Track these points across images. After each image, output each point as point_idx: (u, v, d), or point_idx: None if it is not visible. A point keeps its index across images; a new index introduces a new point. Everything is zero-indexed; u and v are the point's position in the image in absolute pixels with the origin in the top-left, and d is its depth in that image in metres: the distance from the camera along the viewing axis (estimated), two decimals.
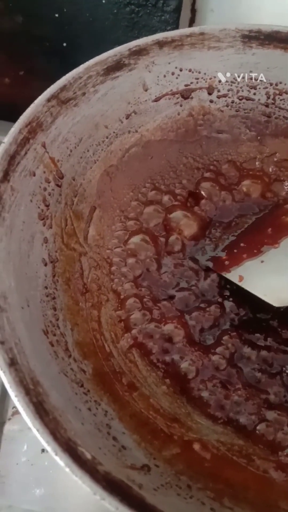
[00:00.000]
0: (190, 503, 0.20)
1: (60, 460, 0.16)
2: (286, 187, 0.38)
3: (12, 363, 0.19)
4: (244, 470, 0.24)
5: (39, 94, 0.30)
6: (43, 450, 0.30)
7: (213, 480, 0.22)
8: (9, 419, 0.32)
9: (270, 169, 0.38)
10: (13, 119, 0.28)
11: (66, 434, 0.18)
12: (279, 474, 0.24)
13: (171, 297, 0.30)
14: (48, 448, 0.17)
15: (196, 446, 0.24)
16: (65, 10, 0.42)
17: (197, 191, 0.36)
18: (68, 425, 0.19)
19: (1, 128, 0.48)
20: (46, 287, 0.26)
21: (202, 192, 0.37)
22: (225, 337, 0.29)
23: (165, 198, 0.36)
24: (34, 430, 0.17)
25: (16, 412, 0.32)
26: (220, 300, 0.30)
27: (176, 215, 0.35)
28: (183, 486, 0.21)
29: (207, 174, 0.37)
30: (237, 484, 0.23)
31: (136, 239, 0.33)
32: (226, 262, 0.33)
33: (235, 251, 0.33)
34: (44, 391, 0.19)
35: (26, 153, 0.27)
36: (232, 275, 0.31)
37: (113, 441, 0.21)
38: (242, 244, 0.34)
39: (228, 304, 0.30)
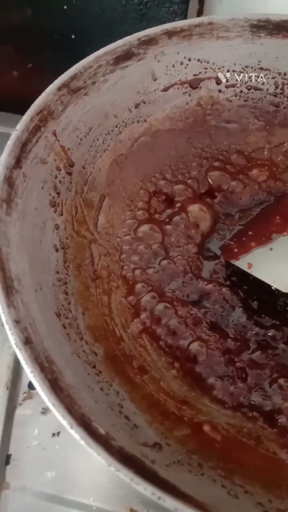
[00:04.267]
0: (201, 479, 0.20)
1: (75, 433, 0.17)
2: None
3: (27, 342, 0.19)
4: (253, 451, 0.24)
5: (48, 87, 0.30)
6: (53, 434, 0.31)
7: (224, 460, 0.22)
8: (20, 404, 0.32)
9: (279, 159, 0.38)
10: (22, 111, 0.29)
11: (80, 410, 0.18)
12: None
13: (179, 280, 0.31)
14: (63, 422, 0.17)
15: (206, 428, 0.24)
16: (73, 2, 0.42)
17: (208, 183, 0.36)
18: (82, 402, 0.19)
19: (10, 120, 0.49)
20: (57, 272, 0.27)
21: (210, 181, 0.37)
22: (235, 321, 0.29)
23: (175, 188, 0.36)
24: (50, 405, 0.17)
25: (27, 398, 0.32)
26: (228, 283, 0.31)
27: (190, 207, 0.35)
28: (194, 464, 0.21)
29: (216, 164, 0.37)
30: (247, 464, 0.23)
31: (145, 227, 0.34)
32: (235, 250, 0.33)
33: (243, 239, 0.34)
34: (58, 370, 0.20)
35: (37, 140, 0.28)
36: (241, 263, 0.32)
37: (125, 419, 0.21)
38: (250, 233, 0.34)
39: (236, 289, 0.31)
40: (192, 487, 0.18)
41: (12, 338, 0.19)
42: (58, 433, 0.31)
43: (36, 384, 0.18)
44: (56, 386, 0.18)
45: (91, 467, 0.30)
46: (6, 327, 0.19)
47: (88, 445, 0.17)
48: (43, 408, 0.32)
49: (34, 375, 0.18)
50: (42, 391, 0.18)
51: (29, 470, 0.30)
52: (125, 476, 0.16)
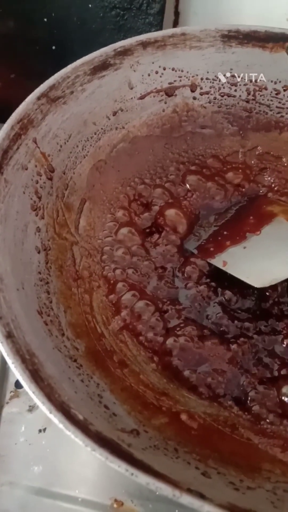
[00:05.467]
0: (176, 462, 0.21)
1: (54, 418, 0.18)
2: (267, 179, 0.40)
3: (9, 336, 0.20)
4: (229, 437, 0.26)
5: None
6: (40, 431, 0.32)
7: (200, 446, 0.24)
8: (7, 402, 0.33)
9: (252, 162, 0.40)
10: (5, 121, 0.30)
11: (60, 398, 0.19)
12: (262, 440, 0.26)
13: (159, 279, 0.32)
14: (43, 407, 0.18)
15: (184, 417, 0.26)
16: (53, 14, 0.44)
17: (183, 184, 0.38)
18: (62, 392, 0.20)
19: None
20: (39, 273, 0.28)
21: (188, 186, 0.39)
22: (211, 317, 0.31)
23: (154, 191, 0.38)
24: (30, 393, 0.19)
25: (14, 396, 0.33)
26: (207, 281, 0.32)
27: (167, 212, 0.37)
28: (170, 449, 0.22)
29: (192, 168, 0.39)
30: (222, 449, 0.24)
31: (125, 230, 0.35)
32: (211, 249, 0.34)
33: (219, 238, 0.35)
34: (40, 362, 0.21)
35: (18, 147, 0.29)
36: (217, 261, 0.33)
37: (104, 408, 0.23)
38: (225, 233, 0.36)
39: (213, 285, 0.32)
40: (166, 468, 0.19)
41: None
42: (45, 429, 0.32)
43: (17, 374, 0.19)
44: (36, 376, 0.20)
45: (76, 461, 0.31)
46: None
47: (66, 428, 0.18)
48: (29, 406, 0.33)
49: (15, 366, 0.19)
50: (23, 380, 0.19)
51: (17, 465, 0.31)
52: (101, 455, 0.17)
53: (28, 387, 0.19)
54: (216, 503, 0.17)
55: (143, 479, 0.17)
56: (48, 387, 0.20)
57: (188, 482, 0.18)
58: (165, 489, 0.17)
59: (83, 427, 0.18)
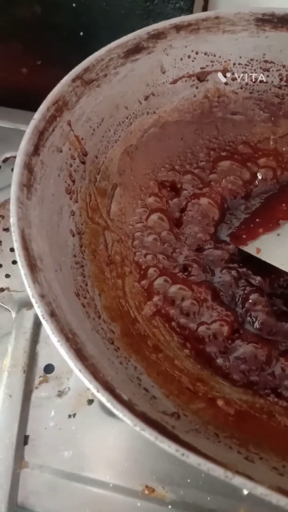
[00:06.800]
0: (218, 446, 0.21)
1: (101, 396, 0.18)
2: None
3: (53, 314, 0.20)
4: (266, 424, 0.25)
5: (56, 84, 0.31)
6: (70, 416, 0.32)
7: (239, 431, 0.23)
8: (36, 387, 0.33)
9: (284, 149, 0.39)
10: (31, 108, 0.29)
11: (104, 378, 0.19)
12: None
13: (188, 266, 0.32)
14: (90, 386, 0.18)
15: (220, 402, 0.25)
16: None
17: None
18: (105, 371, 0.20)
19: (19, 116, 0.50)
20: (74, 256, 0.28)
21: (219, 172, 0.38)
22: (247, 303, 0.30)
23: (184, 177, 0.37)
24: (77, 371, 0.18)
25: (43, 381, 0.33)
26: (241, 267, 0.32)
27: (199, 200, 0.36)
28: (211, 433, 0.22)
29: (223, 154, 0.38)
30: (261, 435, 0.24)
31: (155, 216, 0.35)
32: (244, 236, 0.34)
33: (251, 226, 0.35)
34: (81, 341, 0.21)
35: (53, 129, 0.29)
36: (250, 248, 0.33)
37: (144, 391, 0.22)
38: (258, 220, 0.35)
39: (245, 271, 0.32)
40: (211, 451, 0.19)
41: (39, 310, 0.20)
42: (74, 415, 0.32)
43: (63, 352, 0.19)
44: (81, 355, 0.19)
45: (107, 446, 0.31)
46: (33, 300, 0.20)
47: (114, 407, 0.18)
48: (58, 391, 0.33)
49: (61, 344, 0.19)
50: (69, 358, 0.19)
51: (47, 449, 0.31)
52: (150, 435, 0.17)
53: (74, 365, 0.18)
54: (267, 485, 0.17)
55: (194, 459, 0.16)
56: (92, 366, 0.19)
57: (234, 465, 0.18)
58: (217, 470, 0.16)
59: (129, 406, 0.18)
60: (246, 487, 0.16)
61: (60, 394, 0.33)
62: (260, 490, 0.16)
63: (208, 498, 0.29)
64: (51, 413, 0.32)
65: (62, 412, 0.32)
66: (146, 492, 0.29)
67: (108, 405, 0.18)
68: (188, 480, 0.29)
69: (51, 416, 0.32)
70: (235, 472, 0.17)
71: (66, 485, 0.30)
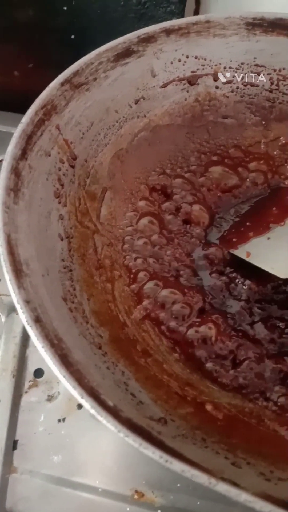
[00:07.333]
0: (205, 451, 0.21)
1: (85, 403, 0.18)
2: None
3: (38, 320, 0.20)
4: (255, 429, 0.25)
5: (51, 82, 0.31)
6: (59, 420, 0.32)
7: (226, 436, 0.23)
8: (26, 392, 0.33)
9: (275, 153, 0.39)
10: (23, 111, 0.29)
11: (89, 384, 0.19)
12: None
13: (179, 269, 0.32)
14: (74, 392, 0.18)
15: (209, 407, 0.25)
16: (73, 2, 0.43)
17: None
18: (90, 377, 0.20)
19: (12, 119, 0.50)
20: (63, 260, 0.27)
21: (210, 176, 0.38)
22: (235, 306, 0.30)
23: (174, 181, 0.37)
24: (61, 377, 0.18)
25: (33, 386, 0.33)
26: (230, 271, 0.32)
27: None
28: (198, 438, 0.22)
29: (214, 158, 0.38)
30: (249, 440, 0.24)
31: (145, 220, 0.35)
32: (234, 240, 0.34)
33: (242, 229, 0.35)
34: (67, 347, 0.21)
35: (42, 134, 0.29)
36: (240, 252, 0.33)
37: (131, 396, 0.22)
38: (248, 223, 0.35)
39: (236, 275, 0.32)
40: (197, 457, 0.19)
41: (23, 316, 0.20)
42: (64, 419, 0.32)
43: (47, 358, 0.19)
44: (66, 360, 0.19)
45: (96, 451, 0.31)
46: (17, 306, 0.20)
47: (98, 413, 0.17)
48: (48, 396, 0.33)
49: (45, 350, 0.19)
50: (53, 365, 0.19)
51: (36, 454, 0.30)
52: (134, 441, 0.17)
53: (58, 371, 0.18)
54: (251, 492, 0.16)
55: (178, 466, 0.16)
56: (77, 372, 0.19)
57: (220, 471, 0.18)
58: (200, 477, 0.16)
59: (114, 413, 0.18)
60: (230, 494, 0.16)
61: (50, 398, 0.33)
62: (244, 497, 0.16)
63: (198, 503, 0.29)
64: (40, 417, 0.32)
65: (51, 416, 0.32)
66: (136, 497, 0.29)
67: (92, 411, 0.17)
68: (178, 485, 0.29)
69: (40, 421, 0.32)
70: (219, 479, 0.17)
71: (56, 490, 0.30)
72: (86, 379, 0.19)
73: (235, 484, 0.17)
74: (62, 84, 0.31)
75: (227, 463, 0.20)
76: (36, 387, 0.33)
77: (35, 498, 0.29)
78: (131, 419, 0.19)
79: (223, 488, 0.16)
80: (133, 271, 0.32)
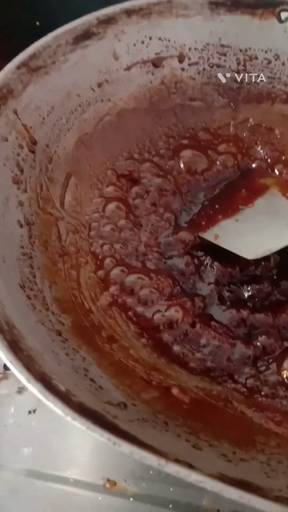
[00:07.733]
0: (165, 434, 0.20)
1: (32, 387, 0.17)
2: (259, 151, 0.38)
3: None
4: (222, 411, 0.25)
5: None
6: (29, 412, 0.31)
7: (192, 419, 0.23)
8: None
9: (244, 134, 0.39)
10: None
11: (40, 369, 0.19)
12: (256, 414, 0.25)
13: (147, 254, 0.31)
14: (20, 377, 0.17)
15: (175, 391, 0.25)
16: None
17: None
18: (43, 363, 0.19)
19: None
20: (22, 247, 0.27)
21: (179, 160, 0.37)
22: (204, 289, 0.30)
23: (143, 166, 0.36)
24: (7, 362, 0.18)
25: (2, 378, 0.33)
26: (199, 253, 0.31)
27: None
28: (160, 422, 0.21)
29: (183, 142, 0.38)
30: (216, 423, 0.23)
31: (112, 206, 0.34)
32: (203, 223, 0.33)
33: (211, 212, 0.34)
34: (20, 334, 0.20)
35: None
36: (208, 235, 0.32)
37: (90, 381, 0.22)
38: (217, 206, 0.35)
39: (205, 258, 0.31)
40: (153, 439, 0.18)
41: None
42: (34, 411, 0.31)
43: None
44: (15, 346, 0.19)
45: (68, 442, 0.30)
46: None
47: (45, 397, 0.17)
48: (18, 388, 0.32)
49: None
50: (0, 350, 0.18)
51: (6, 448, 0.30)
52: (82, 424, 0.16)
53: (5, 356, 0.18)
54: (205, 472, 0.16)
55: (126, 448, 0.16)
56: (28, 358, 0.19)
57: (176, 453, 0.18)
58: (149, 458, 0.16)
59: (64, 397, 0.17)
60: (180, 475, 0.15)
61: (20, 390, 0.32)
62: (194, 477, 0.15)
63: (171, 489, 0.28)
64: (10, 410, 0.31)
65: (22, 408, 0.31)
66: (108, 485, 0.28)
67: (39, 396, 0.17)
68: (151, 472, 0.29)
69: (10, 413, 0.31)
70: (173, 460, 0.16)
71: (27, 483, 0.29)
72: (37, 364, 0.19)
73: (190, 465, 0.17)
74: (18, 67, 0.30)
75: (187, 445, 0.20)
76: (6, 380, 0.32)
77: (5, 493, 0.29)
78: (84, 404, 0.18)
79: (172, 469, 0.16)
80: (100, 257, 0.31)
